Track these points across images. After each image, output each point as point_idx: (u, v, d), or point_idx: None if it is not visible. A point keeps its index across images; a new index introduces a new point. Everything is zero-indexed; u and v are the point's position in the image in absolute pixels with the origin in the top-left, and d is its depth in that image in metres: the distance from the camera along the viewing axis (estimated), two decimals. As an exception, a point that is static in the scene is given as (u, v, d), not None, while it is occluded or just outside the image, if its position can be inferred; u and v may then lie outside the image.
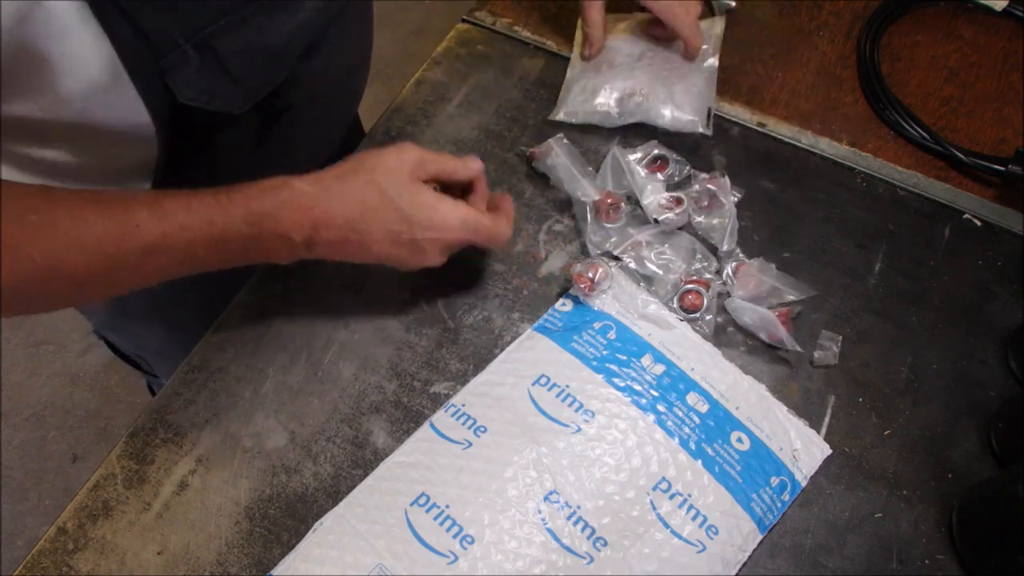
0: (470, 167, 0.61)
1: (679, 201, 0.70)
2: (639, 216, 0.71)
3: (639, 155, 0.72)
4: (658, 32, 0.79)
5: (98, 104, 0.51)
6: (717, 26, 0.81)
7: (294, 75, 0.62)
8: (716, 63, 0.79)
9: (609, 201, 0.70)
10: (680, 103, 0.76)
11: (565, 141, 0.73)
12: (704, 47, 0.78)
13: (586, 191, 0.70)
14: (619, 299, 0.65)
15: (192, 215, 0.51)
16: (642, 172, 0.72)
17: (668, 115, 0.76)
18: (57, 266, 0.47)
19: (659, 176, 0.72)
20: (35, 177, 0.58)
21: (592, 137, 0.77)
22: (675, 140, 0.77)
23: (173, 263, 0.52)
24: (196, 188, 0.52)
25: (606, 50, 0.79)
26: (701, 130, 0.76)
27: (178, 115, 0.56)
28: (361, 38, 0.75)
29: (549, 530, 0.54)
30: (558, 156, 0.72)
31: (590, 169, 0.73)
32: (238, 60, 0.55)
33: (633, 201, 0.71)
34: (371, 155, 0.57)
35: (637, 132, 0.77)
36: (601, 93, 0.77)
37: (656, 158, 0.73)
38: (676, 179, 0.72)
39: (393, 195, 0.55)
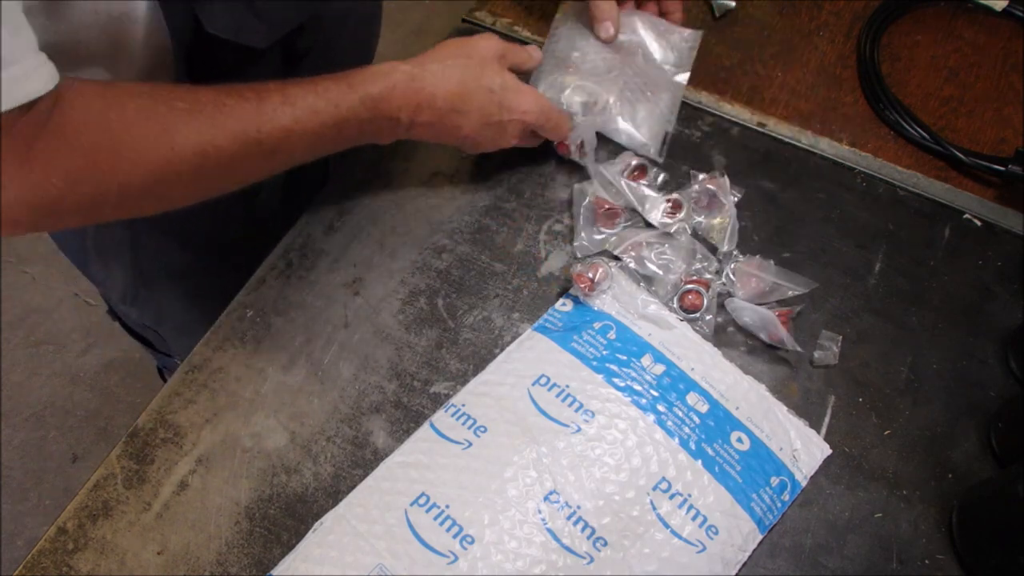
0: (534, 58, 0.70)
1: (677, 205, 0.70)
2: (637, 218, 0.71)
3: (619, 167, 0.72)
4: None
5: (120, 26, 0.54)
6: (692, 41, 0.79)
7: (316, 15, 0.65)
8: (685, 80, 0.77)
9: (606, 207, 0.70)
10: (640, 123, 0.75)
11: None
12: (672, 63, 0.77)
13: (586, 187, 0.71)
14: (619, 299, 0.65)
15: (319, 99, 0.56)
16: (630, 185, 0.71)
17: (624, 132, 0.75)
18: (206, 149, 0.51)
19: (643, 183, 0.72)
20: None
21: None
22: (674, 140, 0.77)
23: (302, 145, 0.57)
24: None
25: (583, 47, 0.76)
26: (652, 155, 0.74)
27: (201, 48, 0.58)
28: None
29: (549, 530, 0.54)
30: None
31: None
32: None
33: (631, 208, 0.71)
34: (463, 42, 0.64)
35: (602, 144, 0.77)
36: (566, 92, 0.74)
37: (636, 168, 0.73)
38: (657, 183, 0.72)
39: (487, 79, 0.63)
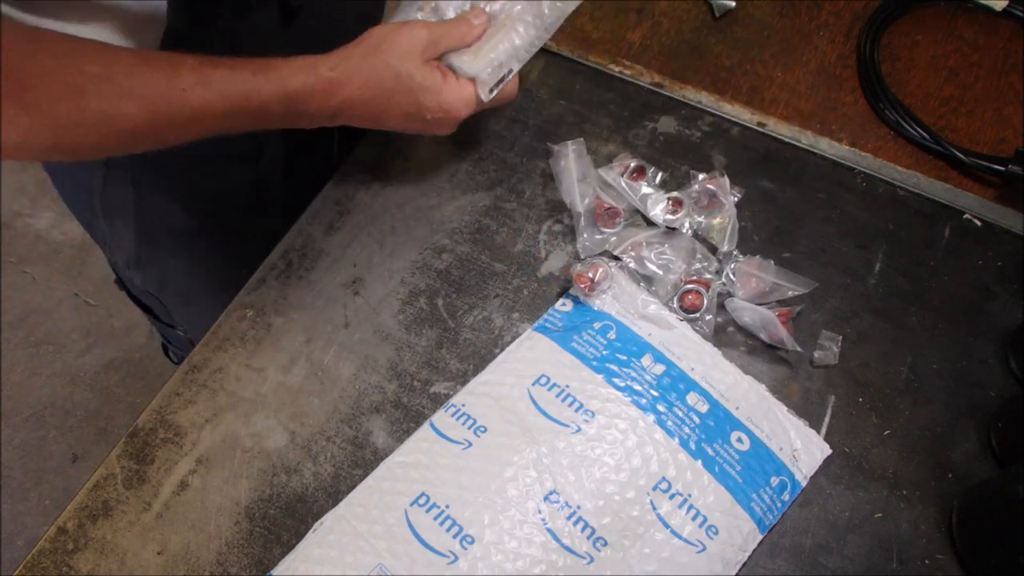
0: (475, 27, 0.64)
1: (678, 203, 0.70)
2: (637, 218, 0.71)
3: (618, 169, 0.72)
4: None
5: None
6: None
7: None
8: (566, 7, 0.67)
9: (606, 207, 0.70)
10: (481, 52, 0.65)
11: (581, 146, 0.73)
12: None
13: (578, 202, 0.71)
14: (619, 299, 0.66)
15: (233, 86, 0.55)
16: (630, 185, 0.71)
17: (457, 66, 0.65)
18: (112, 116, 0.51)
19: (643, 183, 0.72)
20: None
21: (593, 140, 0.77)
22: (674, 140, 0.77)
23: (215, 126, 0.56)
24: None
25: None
26: (481, 95, 0.65)
27: (196, 3, 0.59)
28: None
29: (549, 530, 0.54)
30: (567, 160, 0.72)
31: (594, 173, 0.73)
32: None
33: (632, 209, 0.71)
34: (388, 35, 0.61)
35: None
36: (468, 65, 0.65)
37: (635, 169, 0.73)
38: (657, 182, 0.72)
39: (406, 79, 0.61)
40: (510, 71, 0.66)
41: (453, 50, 0.64)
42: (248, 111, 0.56)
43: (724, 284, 0.67)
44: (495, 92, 0.66)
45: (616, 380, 0.60)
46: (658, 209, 0.70)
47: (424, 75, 0.61)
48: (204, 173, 0.77)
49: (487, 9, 0.66)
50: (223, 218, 0.80)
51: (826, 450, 0.60)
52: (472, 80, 0.64)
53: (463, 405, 0.60)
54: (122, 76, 0.51)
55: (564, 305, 0.67)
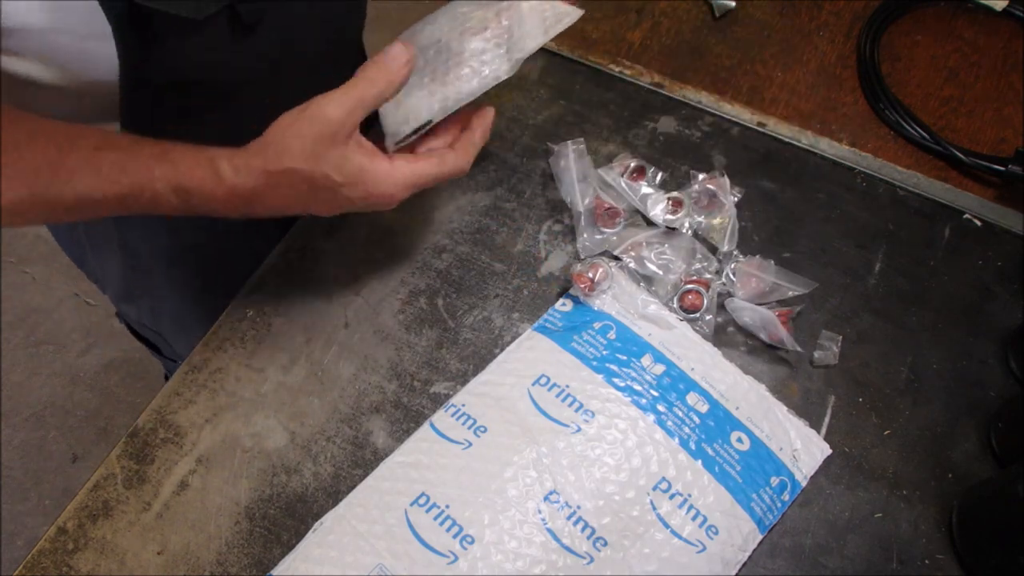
0: (399, 70, 0.53)
1: (678, 203, 0.70)
2: (637, 218, 0.71)
3: (618, 169, 0.72)
4: None
5: (51, 9, 0.50)
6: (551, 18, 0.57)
7: None
8: (498, 73, 0.56)
9: (606, 207, 0.70)
10: (401, 105, 0.58)
11: (581, 146, 0.73)
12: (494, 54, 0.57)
13: (578, 202, 0.71)
14: (619, 299, 0.66)
15: (125, 177, 0.51)
16: (630, 185, 0.71)
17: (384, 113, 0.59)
18: None
19: (643, 183, 0.72)
20: (12, 97, 0.57)
21: (593, 140, 0.77)
22: (674, 140, 0.77)
23: (108, 209, 0.53)
24: (159, 134, 0.53)
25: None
26: (387, 145, 0.58)
27: (140, 22, 0.53)
28: None
29: (549, 530, 0.54)
30: (568, 160, 0.72)
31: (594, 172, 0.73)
32: None
33: (632, 209, 0.71)
34: (288, 131, 0.52)
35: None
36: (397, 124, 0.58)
37: (635, 169, 0.73)
38: (656, 182, 0.72)
39: (322, 181, 0.52)
40: (429, 122, 0.57)
41: (382, 102, 0.54)
42: (141, 202, 0.53)
43: (724, 284, 0.67)
44: (402, 144, 0.57)
45: (616, 380, 0.60)
46: (658, 209, 0.70)
47: (343, 168, 0.52)
48: None
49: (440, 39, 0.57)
50: (210, 241, 0.76)
51: (826, 450, 0.60)
52: (409, 158, 0.55)
53: (463, 405, 0.60)
54: (11, 149, 0.49)
55: (564, 305, 0.67)
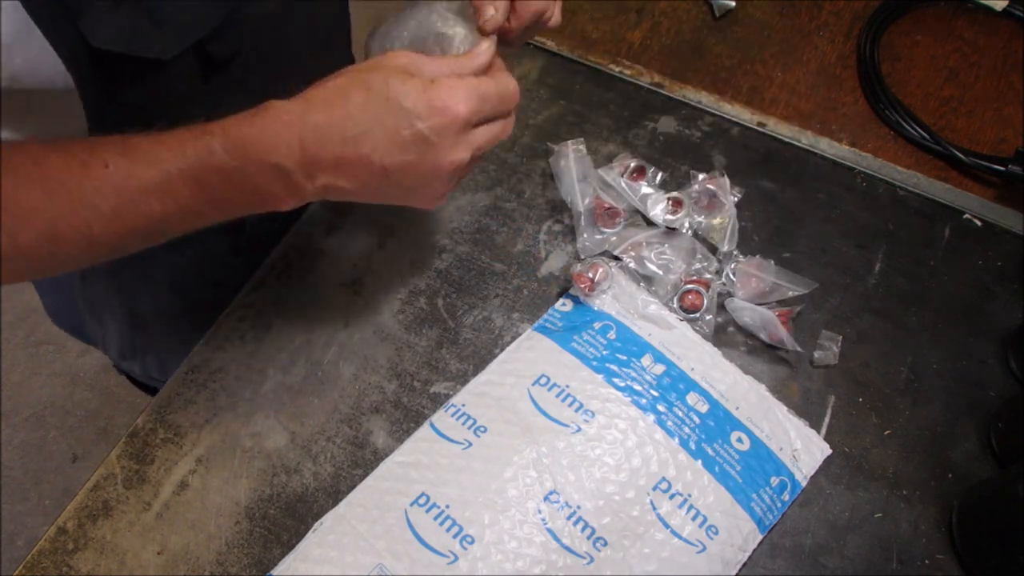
0: (477, 61, 0.51)
1: (678, 203, 0.70)
2: (637, 218, 0.71)
3: (618, 169, 0.72)
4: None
5: (6, 55, 0.45)
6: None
7: (234, 16, 0.53)
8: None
9: (606, 207, 0.70)
10: None
11: (581, 146, 0.73)
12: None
13: (579, 202, 0.71)
14: (619, 299, 0.65)
15: (163, 147, 0.45)
16: (630, 186, 0.71)
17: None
18: (10, 207, 0.42)
19: (643, 183, 0.72)
20: None
21: (593, 140, 0.77)
22: (674, 140, 0.77)
23: (153, 207, 0.46)
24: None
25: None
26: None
27: (101, 65, 0.49)
28: None
29: (549, 530, 0.54)
30: (568, 160, 0.72)
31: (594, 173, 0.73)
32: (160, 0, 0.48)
33: (632, 209, 0.71)
34: (359, 65, 0.50)
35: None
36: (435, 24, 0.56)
37: (635, 169, 0.73)
38: (657, 182, 0.72)
39: (379, 87, 0.47)
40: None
41: (447, 73, 0.50)
42: (186, 173, 0.45)
43: (724, 284, 0.67)
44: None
45: (616, 380, 0.60)
46: (658, 209, 0.70)
47: (402, 79, 0.48)
48: (186, 255, 0.70)
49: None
50: (215, 295, 0.71)
51: (826, 450, 0.60)
52: (469, 77, 0.50)
53: (463, 405, 0.60)
54: (32, 162, 0.43)
55: (564, 305, 0.67)
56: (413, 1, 0.57)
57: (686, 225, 0.70)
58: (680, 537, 0.55)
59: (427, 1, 0.56)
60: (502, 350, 0.64)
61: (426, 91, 0.47)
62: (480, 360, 0.65)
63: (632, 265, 0.68)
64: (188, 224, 0.49)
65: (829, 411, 0.63)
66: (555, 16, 0.59)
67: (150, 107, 0.53)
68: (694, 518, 0.56)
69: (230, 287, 0.68)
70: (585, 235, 0.70)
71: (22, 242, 0.43)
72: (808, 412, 0.62)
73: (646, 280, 0.67)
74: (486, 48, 0.52)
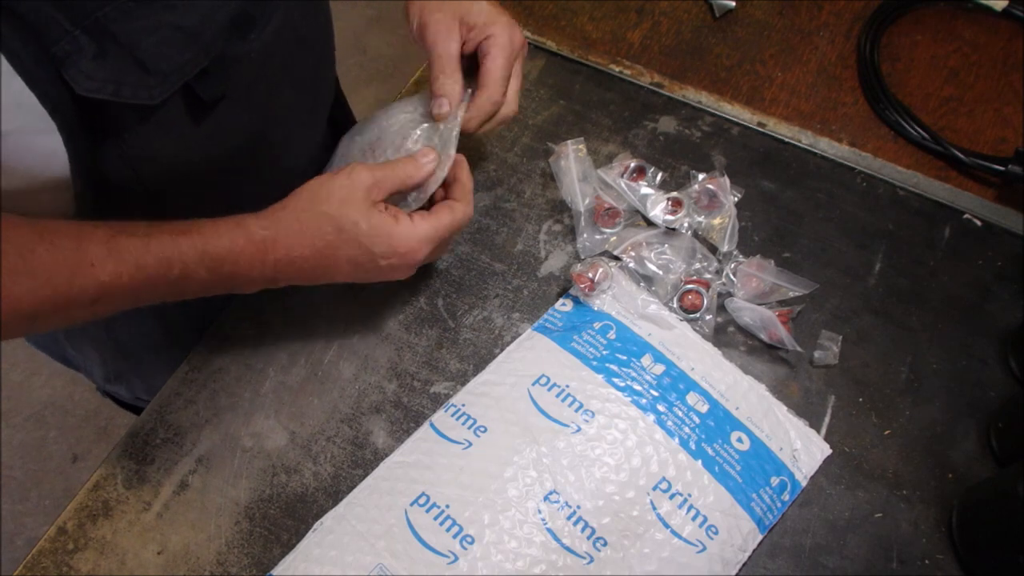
0: (423, 166, 0.59)
1: (678, 203, 0.70)
2: (637, 218, 0.71)
3: (618, 169, 0.72)
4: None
5: None
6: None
7: (220, 57, 0.54)
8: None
9: (606, 207, 0.70)
10: None
11: (581, 146, 0.73)
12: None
13: (579, 202, 0.71)
14: (619, 299, 0.65)
15: (149, 256, 0.49)
16: (630, 186, 0.71)
17: None
18: (7, 298, 0.44)
19: (643, 183, 0.72)
20: None
21: (593, 140, 0.77)
22: (674, 140, 0.77)
23: (130, 300, 0.50)
24: (153, 219, 0.51)
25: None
26: None
27: (86, 112, 0.50)
28: (312, 13, 0.64)
29: (549, 530, 0.54)
30: (568, 160, 0.72)
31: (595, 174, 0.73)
32: (146, 44, 0.48)
33: (632, 209, 0.71)
34: (323, 185, 0.55)
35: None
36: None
37: (635, 169, 0.73)
38: (656, 182, 0.72)
39: (349, 228, 0.54)
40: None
41: (400, 191, 0.58)
42: (168, 280, 0.50)
43: (724, 284, 0.67)
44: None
45: (616, 380, 0.60)
46: (658, 209, 0.70)
47: (371, 220, 0.55)
48: None
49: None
50: (200, 317, 0.71)
51: (826, 450, 0.60)
52: (425, 215, 0.58)
53: (463, 405, 0.60)
54: (17, 254, 0.44)
55: (564, 305, 0.67)
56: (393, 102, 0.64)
57: (686, 225, 0.70)
58: (680, 537, 0.55)
59: (401, 101, 0.64)
60: (502, 350, 0.64)
61: (391, 239, 0.55)
62: (480, 360, 0.65)
63: (632, 265, 0.68)
64: (154, 302, 0.53)
65: (829, 411, 0.63)
66: (509, 110, 0.65)
67: (139, 158, 0.54)
68: (694, 518, 0.56)
69: (215, 307, 0.69)
70: (585, 235, 0.70)
71: (4, 321, 0.45)
72: (808, 412, 0.62)
73: (646, 280, 0.67)
74: (431, 158, 0.59)
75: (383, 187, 0.56)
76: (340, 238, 0.54)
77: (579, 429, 0.58)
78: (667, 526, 0.55)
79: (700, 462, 0.57)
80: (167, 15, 0.49)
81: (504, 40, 0.62)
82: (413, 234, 0.56)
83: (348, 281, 0.58)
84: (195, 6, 0.51)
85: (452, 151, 0.60)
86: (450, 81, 0.61)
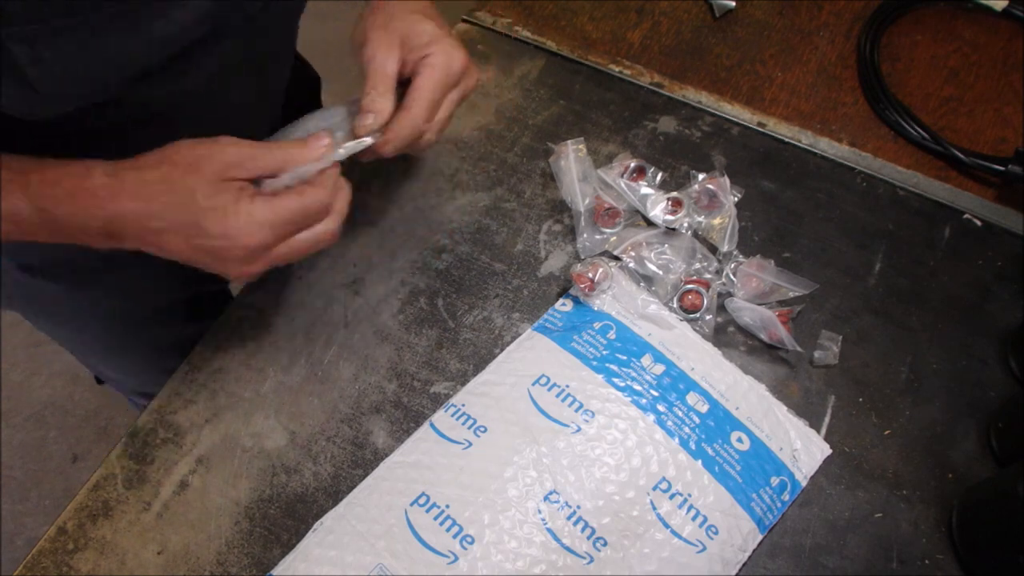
0: (311, 150, 0.53)
1: (678, 203, 0.70)
2: (637, 218, 0.71)
3: (618, 169, 0.72)
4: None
5: None
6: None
7: (144, 93, 0.52)
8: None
9: (606, 207, 0.70)
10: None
11: (581, 146, 0.73)
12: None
13: (579, 202, 0.71)
14: (619, 299, 0.65)
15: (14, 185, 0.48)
16: (630, 186, 0.71)
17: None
18: None
19: (643, 183, 0.72)
20: None
21: (593, 140, 0.77)
22: (674, 140, 0.77)
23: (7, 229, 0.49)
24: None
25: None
26: None
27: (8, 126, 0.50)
28: (270, 36, 0.62)
29: (549, 530, 0.54)
30: (568, 160, 0.72)
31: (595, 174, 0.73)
32: (40, 70, 0.46)
33: (632, 209, 0.71)
34: (185, 147, 0.51)
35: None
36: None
37: (635, 169, 0.73)
38: (656, 182, 0.72)
39: (185, 197, 0.50)
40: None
41: (274, 174, 0.53)
42: (7, 216, 0.48)
43: (724, 284, 0.67)
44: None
45: (616, 380, 0.60)
46: (658, 209, 0.70)
47: (209, 194, 0.50)
48: (134, 275, 0.69)
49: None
50: (173, 307, 0.70)
51: (826, 450, 0.60)
52: (269, 198, 0.52)
53: (463, 405, 0.60)
54: None
55: (564, 305, 0.67)
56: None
57: (686, 225, 0.70)
58: (680, 537, 0.55)
59: (329, 109, 0.60)
60: (502, 350, 0.64)
61: (225, 217, 0.50)
62: (480, 360, 0.65)
63: (632, 265, 0.68)
64: (41, 240, 0.51)
65: (829, 411, 0.63)
66: (427, 140, 0.60)
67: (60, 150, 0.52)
68: (694, 518, 0.56)
69: (202, 302, 0.69)
70: (585, 235, 0.70)
71: None
72: (808, 412, 0.62)
73: (646, 280, 0.67)
74: (326, 143, 0.54)
75: (247, 167, 0.51)
76: (172, 202, 0.50)
77: (579, 429, 0.58)
78: (667, 526, 0.55)
79: (700, 462, 0.57)
80: (80, 51, 0.47)
81: (439, 61, 0.57)
82: (250, 217, 0.51)
83: (185, 260, 0.52)
84: (115, 51, 0.48)
85: (341, 159, 0.56)
86: (381, 99, 0.57)
